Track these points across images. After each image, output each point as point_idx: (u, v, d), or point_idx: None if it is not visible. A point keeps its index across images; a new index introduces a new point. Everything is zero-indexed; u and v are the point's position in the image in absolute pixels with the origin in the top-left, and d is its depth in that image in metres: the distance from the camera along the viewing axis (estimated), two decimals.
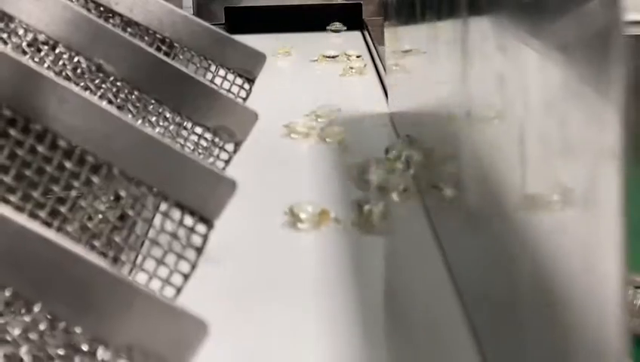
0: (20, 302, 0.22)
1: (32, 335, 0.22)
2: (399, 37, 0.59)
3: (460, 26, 0.37)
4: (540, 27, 0.26)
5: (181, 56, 0.50)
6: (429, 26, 0.46)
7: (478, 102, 0.35)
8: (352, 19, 1.06)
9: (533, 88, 0.27)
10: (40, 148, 0.30)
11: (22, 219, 0.22)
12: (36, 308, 0.22)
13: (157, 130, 0.44)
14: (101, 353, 0.22)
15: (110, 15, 0.49)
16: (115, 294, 0.22)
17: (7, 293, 0.22)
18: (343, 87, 0.80)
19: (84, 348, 0.22)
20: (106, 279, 0.22)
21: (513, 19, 0.30)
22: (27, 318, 0.22)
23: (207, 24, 0.50)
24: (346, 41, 0.99)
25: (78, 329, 0.22)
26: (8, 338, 0.22)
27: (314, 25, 1.05)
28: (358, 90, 0.79)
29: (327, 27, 1.05)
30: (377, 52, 0.87)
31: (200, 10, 1.10)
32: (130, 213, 0.31)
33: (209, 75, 0.51)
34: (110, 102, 0.43)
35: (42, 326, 0.22)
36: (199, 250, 0.31)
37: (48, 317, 0.22)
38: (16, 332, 0.22)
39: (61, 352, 0.22)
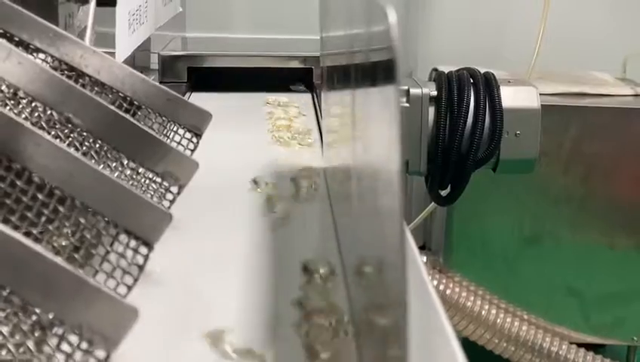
0: (2, 292, 0.30)
1: (12, 317, 0.30)
2: (328, 101, 0.68)
3: (351, 96, 0.46)
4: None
5: (139, 113, 0.59)
6: (341, 94, 0.56)
7: (358, 160, 0.44)
8: (305, 82, 1.16)
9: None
10: (18, 183, 0.38)
11: (11, 232, 0.30)
12: (16, 297, 0.30)
13: (116, 173, 0.52)
14: (57, 329, 0.30)
15: (81, 75, 0.58)
16: (71, 286, 0.30)
17: None
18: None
19: (47, 324, 0.30)
20: (66, 275, 0.30)
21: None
22: (9, 305, 0.31)
23: (162, 86, 0.59)
24: (295, 102, 1.09)
25: (43, 312, 0.30)
26: None
27: (269, 85, 1.15)
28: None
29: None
30: (321, 112, 0.96)
31: (165, 69, 1.19)
32: (88, 236, 0.40)
33: (164, 129, 0.60)
34: (76, 149, 0.51)
35: (19, 312, 0.31)
36: (141, 267, 0.40)
37: (23, 303, 0.31)
38: (1, 314, 0.30)
39: (27, 328, 0.30)
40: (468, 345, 1.71)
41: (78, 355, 0.31)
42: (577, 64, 1.92)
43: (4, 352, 0.30)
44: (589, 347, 1.70)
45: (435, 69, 1.71)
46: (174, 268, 0.54)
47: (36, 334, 0.31)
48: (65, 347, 0.31)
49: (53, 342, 0.31)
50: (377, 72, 0.34)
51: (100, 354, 0.31)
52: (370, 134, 0.38)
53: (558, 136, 1.68)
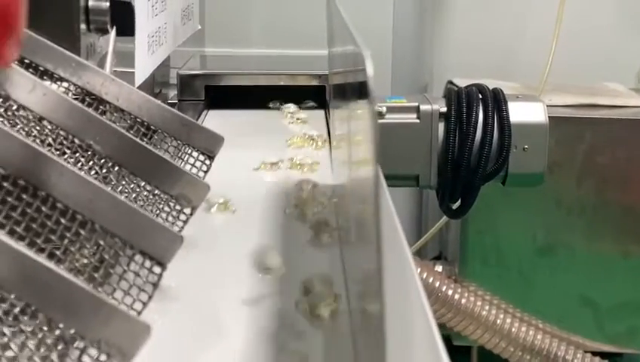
0: (29, 310, 0.34)
1: (38, 332, 0.34)
2: (334, 119, 0.72)
3: (347, 111, 0.50)
4: None
5: (155, 137, 0.63)
6: (341, 111, 0.60)
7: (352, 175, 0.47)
8: (317, 99, 1.19)
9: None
10: (43, 208, 0.42)
11: (35, 255, 0.34)
12: (41, 315, 0.34)
13: (133, 195, 0.56)
14: (78, 344, 0.34)
15: (101, 102, 0.62)
16: (90, 305, 0.34)
17: (21, 304, 0.34)
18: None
19: (69, 339, 0.34)
20: (85, 295, 0.34)
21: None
22: (35, 321, 0.34)
23: (177, 111, 0.62)
24: (309, 118, 1.13)
25: (66, 328, 0.34)
26: (23, 331, 0.34)
27: (284, 101, 1.19)
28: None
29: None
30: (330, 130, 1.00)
31: (183, 88, 1.23)
32: (106, 256, 0.43)
33: (179, 152, 0.63)
34: (97, 173, 0.55)
35: (45, 327, 0.34)
36: (155, 285, 0.43)
37: (47, 320, 0.34)
38: (28, 329, 0.34)
39: (51, 342, 0.34)
40: (483, 354, 1.73)
41: None
42: (591, 75, 1.94)
43: None
44: (604, 356, 1.72)
45: (450, 82, 1.74)
46: (188, 285, 0.58)
47: (59, 348, 0.34)
48: (85, 359, 0.35)
49: (75, 354, 0.35)
50: (361, 90, 0.37)
51: None
52: (358, 148, 0.41)
53: (571, 148, 1.70)
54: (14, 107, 0.53)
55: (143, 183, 0.55)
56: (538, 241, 1.76)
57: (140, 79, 0.90)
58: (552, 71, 1.76)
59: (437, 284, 1.71)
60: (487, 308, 1.71)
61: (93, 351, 0.35)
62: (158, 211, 0.54)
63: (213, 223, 0.72)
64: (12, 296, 0.34)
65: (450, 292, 1.71)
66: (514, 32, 1.98)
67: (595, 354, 1.72)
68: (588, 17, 1.97)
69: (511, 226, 1.76)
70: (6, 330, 0.34)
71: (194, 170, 0.62)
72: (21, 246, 0.34)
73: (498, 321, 1.71)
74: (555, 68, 1.77)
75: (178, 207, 0.54)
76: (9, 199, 0.42)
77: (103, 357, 0.34)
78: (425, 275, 1.68)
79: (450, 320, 1.69)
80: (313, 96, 1.20)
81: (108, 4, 0.73)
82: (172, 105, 1.00)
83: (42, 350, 0.34)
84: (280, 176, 0.87)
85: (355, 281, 0.50)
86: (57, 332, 0.34)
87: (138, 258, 0.43)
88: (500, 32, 1.98)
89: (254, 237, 0.69)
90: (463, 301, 1.71)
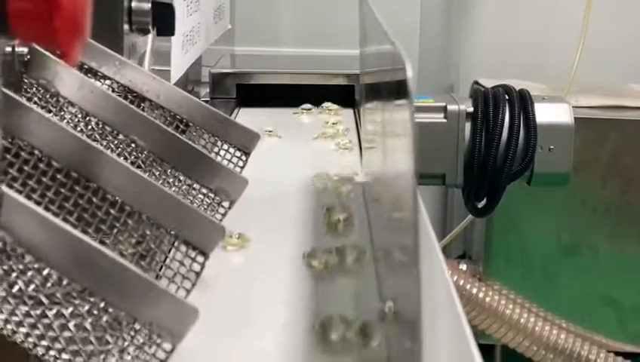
0: (86, 292, 0.37)
1: (94, 311, 0.36)
2: (365, 117, 0.74)
3: (381, 111, 0.52)
4: None
5: (194, 133, 0.65)
6: (374, 110, 0.62)
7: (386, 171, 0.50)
8: (346, 98, 1.22)
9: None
10: (95, 200, 0.45)
11: (94, 242, 0.36)
12: (97, 297, 0.37)
13: (173, 188, 0.59)
14: (131, 325, 0.36)
15: (142, 100, 0.64)
16: (142, 288, 0.36)
17: (79, 288, 0.37)
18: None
19: (122, 321, 0.36)
20: (138, 279, 0.36)
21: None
22: (91, 304, 0.37)
23: (214, 109, 0.65)
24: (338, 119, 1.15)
25: (119, 310, 0.36)
26: (80, 313, 0.36)
27: (312, 101, 1.21)
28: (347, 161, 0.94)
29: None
30: (360, 128, 1.02)
31: (215, 86, 1.25)
32: (152, 245, 0.46)
33: (216, 148, 0.66)
34: (139, 166, 0.57)
35: (100, 309, 0.37)
36: (198, 274, 0.46)
37: (103, 302, 0.37)
38: (85, 310, 0.36)
39: (106, 323, 0.36)
40: (507, 352, 1.75)
41: (147, 347, 0.37)
42: (617, 77, 1.95)
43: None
44: (627, 355, 1.73)
45: (476, 82, 1.76)
46: (228, 274, 0.61)
47: (113, 328, 0.37)
48: (137, 340, 0.37)
49: (127, 335, 0.37)
50: (398, 90, 0.39)
51: (167, 346, 0.37)
52: (393, 146, 0.43)
53: (596, 148, 1.71)
54: (62, 103, 0.56)
55: (183, 177, 0.57)
56: (562, 241, 1.77)
57: (175, 77, 0.92)
58: (578, 72, 1.77)
59: (461, 283, 1.72)
60: (511, 306, 1.72)
61: (144, 332, 0.37)
62: (198, 204, 0.56)
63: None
64: (70, 280, 0.36)
65: (474, 290, 1.72)
66: (540, 32, 1.99)
67: (617, 353, 1.73)
68: (614, 18, 1.97)
69: (535, 226, 1.77)
70: (64, 311, 0.36)
71: (230, 166, 0.64)
72: (78, 233, 0.37)
73: (522, 320, 1.72)
74: (581, 69, 1.78)
75: (217, 200, 0.57)
76: (62, 190, 0.44)
77: (154, 338, 0.37)
78: (449, 273, 1.69)
79: (475, 319, 1.71)
80: (342, 95, 1.22)
81: (150, 5, 0.76)
82: (205, 102, 1.02)
83: (97, 330, 0.37)
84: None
85: (390, 288, 0.52)
86: (111, 314, 0.37)
87: (182, 247, 0.46)
88: (526, 32, 1.99)
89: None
90: (487, 299, 1.72)
